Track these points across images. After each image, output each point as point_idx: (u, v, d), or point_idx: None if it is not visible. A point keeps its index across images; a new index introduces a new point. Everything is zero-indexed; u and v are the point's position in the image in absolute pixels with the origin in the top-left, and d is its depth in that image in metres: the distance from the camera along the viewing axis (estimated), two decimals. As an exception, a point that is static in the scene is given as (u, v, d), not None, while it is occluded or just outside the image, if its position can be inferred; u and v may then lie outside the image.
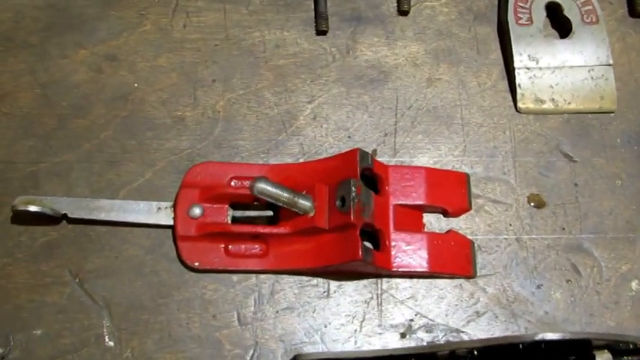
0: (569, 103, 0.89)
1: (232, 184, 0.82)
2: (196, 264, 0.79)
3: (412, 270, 0.79)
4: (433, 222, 0.84)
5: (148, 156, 0.81)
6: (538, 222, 0.84)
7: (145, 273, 0.76)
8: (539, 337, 0.71)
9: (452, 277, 0.81)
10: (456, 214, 0.84)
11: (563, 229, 0.84)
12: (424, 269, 0.79)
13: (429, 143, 0.86)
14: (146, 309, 0.76)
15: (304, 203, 0.77)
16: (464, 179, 0.85)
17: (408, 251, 0.80)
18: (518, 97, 0.89)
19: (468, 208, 0.84)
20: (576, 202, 0.85)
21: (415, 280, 0.81)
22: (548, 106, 0.89)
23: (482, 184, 0.85)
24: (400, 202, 0.81)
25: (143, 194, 0.77)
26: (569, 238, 0.83)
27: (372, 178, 0.81)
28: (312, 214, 0.77)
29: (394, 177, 0.82)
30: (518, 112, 0.89)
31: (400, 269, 0.79)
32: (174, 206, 0.80)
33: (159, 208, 0.80)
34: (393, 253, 0.79)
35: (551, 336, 0.71)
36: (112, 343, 0.76)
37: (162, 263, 0.75)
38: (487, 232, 0.83)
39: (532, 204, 0.85)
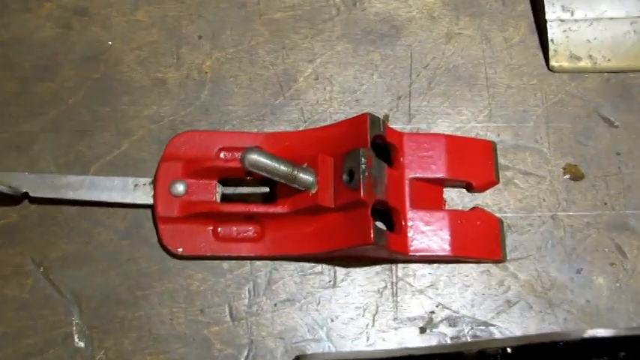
0: (609, 60, 0.74)
1: (222, 156, 0.67)
2: (180, 250, 0.65)
3: (432, 254, 0.65)
4: (455, 198, 0.70)
5: (124, 124, 0.67)
6: (576, 196, 0.70)
7: (121, 261, 0.62)
8: (588, 334, 0.57)
9: (478, 261, 0.67)
10: (482, 189, 0.69)
11: (605, 204, 0.69)
12: (446, 253, 0.65)
13: (448, 107, 0.72)
14: (122, 303, 0.62)
15: (305, 178, 0.62)
16: (490, 148, 0.70)
17: (428, 232, 0.65)
18: (551, 53, 0.74)
19: (496, 182, 0.69)
20: (619, 172, 0.70)
21: (435, 265, 0.67)
22: (584, 63, 0.74)
23: (510, 153, 0.71)
24: (417, 176, 0.67)
25: (118, 169, 0.63)
26: (611, 214, 0.69)
27: (385, 147, 0.67)
28: (314, 191, 0.63)
29: (410, 146, 0.68)
30: (550, 71, 0.74)
31: (418, 253, 0.65)
32: (155, 182, 0.66)
33: (136, 185, 0.66)
34: (409, 234, 0.65)
35: (602, 333, 0.57)
36: (82, 344, 0.62)
37: (141, 249, 0.62)
38: (517, 209, 0.69)
39: (568, 176, 0.71)
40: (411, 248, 0.65)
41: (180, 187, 0.65)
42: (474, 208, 0.69)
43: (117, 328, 0.63)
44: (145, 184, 0.66)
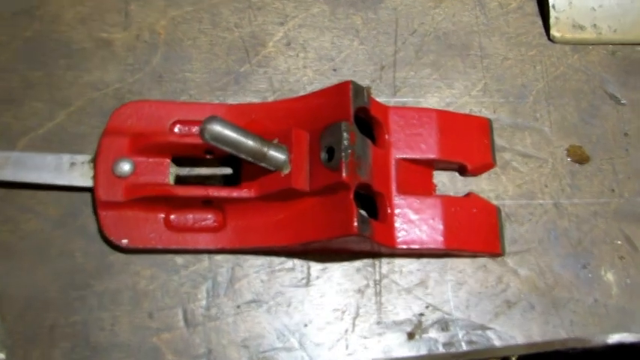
0: (615, 31, 0.65)
1: (176, 130, 0.56)
2: (125, 241, 0.53)
3: (422, 247, 0.55)
4: (446, 182, 0.60)
5: (60, 92, 0.55)
6: (581, 182, 0.60)
7: (52, 255, 0.51)
8: (613, 339, 0.47)
9: (473, 255, 0.58)
10: (477, 172, 0.60)
11: (613, 190, 0.60)
12: (438, 245, 0.55)
13: (438, 79, 0.62)
14: (53, 306, 0.51)
15: (277, 156, 0.52)
16: (486, 126, 0.61)
17: (417, 221, 0.55)
18: (552, 21, 0.65)
19: (492, 164, 0.60)
20: (627, 155, 0.62)
21: (425, 260, 0.57)
22: (588, 34, 0.65)
23: (508, 132, 0.61)
24: (405, 156, 0.57)
25: (51, 144, 0.54)
26: (620, 202, 0.60)
27: (368, 122, 0.56)
28: (286, 172, 0.52)
29: (396, 122, 0.57)
30: (551, 41, 0.65)
31: (406, 246, 0.55)
32: (95, 161, 0.54)
33: (73, 164, 0.54)
34: (396, 224, 0.55)
35: (628, 338, 0.48)
36: (2, 355, 0.50)
37: (77, 241, 0.51)
38: (517, 196, 0.59)
39: (572, 158, 0.61)
40: (399, 240, 0.55)
41: (125, 167, 0.54)
42: (468, 194, 0.59)
43: (46, 336, 0.52)
44: (83, 163, 0.55)
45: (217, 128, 0.48)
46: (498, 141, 0.61)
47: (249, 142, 0.50)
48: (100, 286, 0.54)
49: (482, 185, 0.60)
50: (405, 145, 0.57)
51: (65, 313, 0.53)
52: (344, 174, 0.51)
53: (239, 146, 0.50)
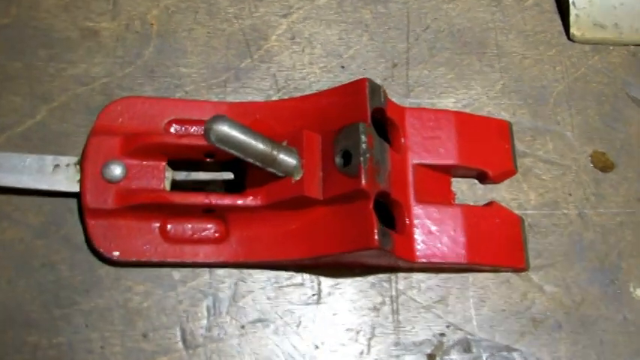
0: (637, 31, 0.61)
1: (172, 130, 0.51)
2: (116, 254, 0.48)
3: (444, 261, 0.50)
4: (465, 190, 0.55)
5: (41, 86, 0.49)
6: (606, 190, 0.56)
7: (34, 267, 0.45)
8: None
9: (495, 270, 0.53)
10: (498, 179, 0.55)
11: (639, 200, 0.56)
12: (460, 260, 0.50)
13: (454, 79, 0.57)
14: (35, 325, 0.45)
15: (287, 160, 0.47)
16: (506, 130, 0.56)
17: (437, 233, 0.50)
18: (572, 19, 0.61)
19: (514, 171, 0.55)
20: (653, 163, 0.58)
21: (444, 275, 0.52)
22: (609, 33, 0.61)
23: (528, 137, 0.57)
24: (422, 162, 0.52)
25: (32, 144, 0.48)
26: (647, 213, 0.56)
27: (382, 125, 0.51)
28: (298, 178, 0.47)
29: (413, 124, 0.53)
30: (571, 40, 0.60)
31: (426, 260, 0.50)
32: (82, 163, 0.48)
33: (57, 166, 0.48)
34: (416, 236, 0.50)
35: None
36: (-25, 384, 0.44)
37: (61, 252, 0.46)
38: (540, 205, 0.55)
39: (596, 165, 0.57)
40: (418, 253, 0.50)
41: (116, 170, 0.48)
42: (490, 203, 0.54)
43: (27, 359, 0.46)
44: (68, 165, 0.49)
45: (224, 129, 0.43)
46: (519, 146, 0.57)
47: (259, 145, 0.45)
48: (87, 303, 0.48)
49: (503, 193, 0.56)
50: (423, 149, 0.53)
51: (49, 333, 0.47)
52: (363, 181, 0.46)
53: (247, 149, 0.44)
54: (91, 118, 0.51)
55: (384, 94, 0.50)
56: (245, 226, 0.49)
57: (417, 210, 0.51)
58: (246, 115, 0.52)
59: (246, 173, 0.51)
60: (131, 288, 0.49)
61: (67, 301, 0.48)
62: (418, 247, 0.50)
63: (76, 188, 0.48)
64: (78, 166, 0.49)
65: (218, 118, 0.43)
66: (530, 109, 0.58)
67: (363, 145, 0.47)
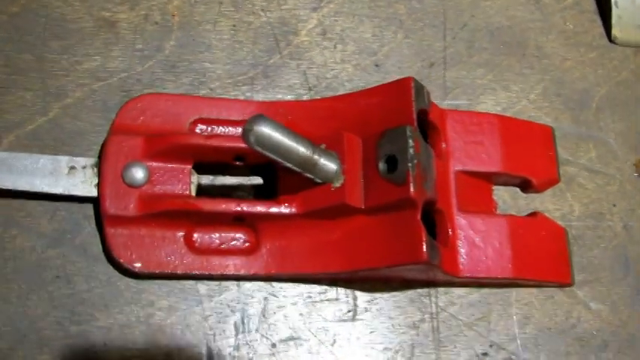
0: (679, 34, 0.58)
1: (198, 130, 0.46)
2: (137, 265, 0.43)
3: (488, 276, 0.46)
4: (508, 200, 0.52)
5: (54, 81, 0.45)
6: (652, 202, 0.53)
7: (47, 280, 0.42)
8: None
9: (539, 285, 0.49)
10: (541, 188, 0.52)
11: (685, 212, 0.53)
12: (506, 274, 0.47)
13: (493, 81, 0.54)
14: (49, 344, 0.41)
15: (327, 165, 0.43)
16: (550, 135, 0.53)
17: (481, 245, 0.47)
18: (614, 21, 0.58)
19: (557, 179, 0.52)
20: (699, 173, 0.55)
21: (486, 291, 0.49)
22: (652, 35, 0.58)
23: (571, 143, 0.53)
24: (465, 169, 0.48)
25: (44, 143, 0.44)
26: (693, 226, 0.53)
27: (422, 128, 0.47)
28: (338, 184, 0.43)
29: (455, 128, 0.49)
30: (612, 42, 0.57)
31: (470, 274, 0.46)
32: (101, 165, 0.44)
33: (72, 168, 0.44)
34: (460, 248, 0.46)
35: None
36: (-18, 409, 0.40)
37: (78, 263, 0.42)
38: (584, 217, 0.52)
39: (640, 175, 0.54)
40: (462, 267, 0.46)
41: (139, 173, 0.44)
42: (535, 214, 0.51)
43: (39, 381, 0.41)
44: (85, 167, 0.45)
45: (266, 130, 0.39)
46: (561, 153, 0.53)
47: (300, 149, 0.41)
48: (106, 319, 0.43)
49: (546, 204, 0.52)
50: (465, 155, 0.49)
51: (64, 352, 0.42)
52: (411, 189, 0.42)
53: (288, 153, 0.40)
54: (108, 115, 0.47)
55: (427, 95, 0.46)
56: (278, 235, 0.45)
57: (460, 220, 0.47)
58: (277, 116, 0.48)
59: (277, 178, 0.47)
60: (154, 303, 0.44)
61: (84, 317, 0.43)
62: (462, 260, 0.47)
63: (93, 193, 0.44)
64: (96, 169, 0.45)
65: (259, 118, 0.39)
66: (572, 114, 0.55)
67: (411, 150, 0.43)
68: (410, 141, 0.43)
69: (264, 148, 0.39)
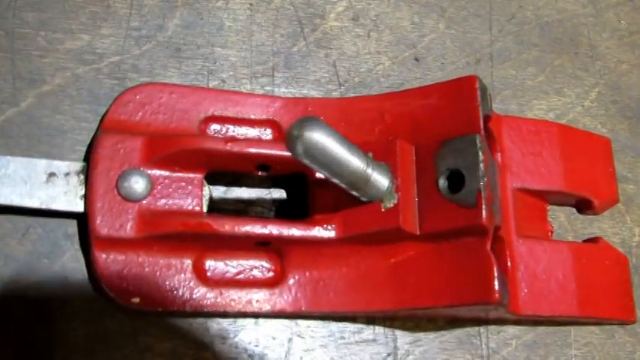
0: None
1: (211, 130, 0.37)
2: (135, 300, 0.34)
3: (551, 314, 0.39)
4: (564, 222, 0.44)
5: (28, 63, 0.36)
6: None
7: (16, 317, 0.31)
8: None
9: (598, 322, 0.42)
10: (601, 210, 0.45)
11: None
12: (571, 313, 0.40)
13: (545, 82, 0.46)
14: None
15: (379, 181, 0.34)
16: (609, 148, 0.45)
17: (543, 278, 0.39)
18: (670, 18, 0.50)
19: (617, 199, 0.44)
20: None
21: (542, 329, 0.42)
22: None
23: (629, 158, 0.47)
24: (524, 186, 0.40)
25: (14, 141, 0.36)
26: None
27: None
28: (390, 205, 0.35)
29: (511, 137, 0.41)
30: (668, 43, 0.50)
31: (532, 312, 0.38)
32: (88, 172, 0.34)
33: (51, 175, 0.35)
34: (520, 280, 0.38)
35: None
36: None
37: (57, 295, 0.32)
38: (645, 243, 0.45)
39: (702, 196, 0.47)
40: (523, 304, 0.38)
41: (138, 184, 0.35)
42: (596, 240, 0.43)
43: None
44: (68, 174, 0.35)
45: (319, 138, 0.30)
46: (619, 168, 0.46)
47: (353, 162, 0.32)
48: (94, 370, 0.34)
49: (604, 227, 0.45)
50: (523, 169, 0.41)
51: (38, 417, 0.33)
52: (484, 214, 0.34)
53: (341, 168, 0.32)
54: (97, 109, 0.38)
55: (490, 98, 0.38)
56: (309, 264, 0.37)
57: (520, 247, 0.39)
58: (307, 115, 0.39)
59: (307, 191, 0.38)
60: (152, 347, 0.35)
61: (64, 364, 0.34)
62: (522, 294, 0.39)
63: (79, 207, 0.35)
64: (82, 177, 0.35)
65: (311, 121, 0.30)
66: (629, 124, 0.48)
67: (482, 166, 0.35)
68: (480, 154, 0.35)
69: (312, 160, 0.31)
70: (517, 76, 0.47)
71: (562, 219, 0.44)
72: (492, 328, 0.41)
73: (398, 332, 0.39)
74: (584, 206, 0.45)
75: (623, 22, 0.51)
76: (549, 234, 0.43)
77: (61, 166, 0.35)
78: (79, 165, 0.35)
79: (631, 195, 0.47)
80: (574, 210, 0.45)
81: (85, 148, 0.37)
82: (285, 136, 0.30)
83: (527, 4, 0.49)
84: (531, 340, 0.41)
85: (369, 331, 0.39)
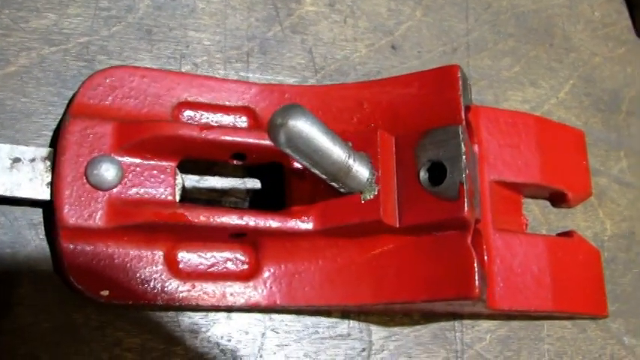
0: None
1: (184, 116, 0.36)
2: (104, 293, 0.33)
3: (526, 309, 0.39)
4: (538, 215, 0.44)
5: (-9, 41, 0.34)
6: (684, 221, 0.47)
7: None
8: None
9: (571, 317, 0.42)
10: (574, 202, 0.45)
11: None
12: (546, 307, 0.40)
13: (520, 73, 0.46)
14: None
15: (360, 172, 0.34)
16: (583, 141, 0.46)
17: (519, 272, 0.39)
18: (643, 13, 0.51)
19: (590, 193, 0.45)
20: None
21: (516, 323, 0.42)
22: (680, 33, 0.52)
23: (602, 151, 0.47)
24: (501, 179, 0.40)
25: None
26: None
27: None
28: (369, 196, 0.34)
29: (488, 129, 0.41)
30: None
31: (508, 307, 0.38)
32: (56, 158, 0.33)
33: (16, 160, 0.33)
34: (496, 275, 0.38)
35: None
36: None
37: (22, 288, 0.29)
38: (616, 237, 0.46)
39: (672, 190, 0.48)
40: (499, 298, 0.38)
41: (109, 172, 0.33)
42: (570, 234, 0.44)
43: None
44: (34, 160, 0.34)
45: (303, 127, 0.29)
46: (592, 161, 0.46)
47: (335, 152, 0.32)
48: (60, 366, 0.33)
49: (577, 220, 0.45)
50: (500, 162, 0.41)
51: (2, 415, 0.31)
52: (466, 207, 0.33)
53: (322, 158, 0.31)
54: (64, 92, 0.36)
55: (470, 88, 0.38)
56: (285, 257, 0.36)
57: (497, 240, 0.39)
58: (282, 103, 0.38)
59: (283, 181, 0.37)
60: (121, 341, 0.34)
61: (28, 358, 0.32)
62: (498, 289, 0.39)
63: (45, 195, 0.33)
64: (49, 163, 0.34)
65: (294, 109, 0.29)
66: (602, 117, 0.49)
67: (464, 157, 0.34)
68: (462, 145, 0.35)
69: (295, 149, 0.30)
70: (493, 67, 0.46)
71: (536, 212, 0.45)
72: (467, 322, 0.41)
73: (373, 327, 0.39)
74: (558, 199, 0.45)
75: (596, 14, 0.51)
76: (524, 227, 0.43)
77: (26, 151, 0.34)
78: (45, 151, 0.34)
79: (603, 188, 0.47)
80: (548, 203, 0.45)
81: (51, 133, 0.35)
82: (268, 124, 0.29)
83: (504, -6, 0.49)
84: (505, 335, 0.41)
85: (343, 326, 0.38)
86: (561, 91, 0.48)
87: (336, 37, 0.43)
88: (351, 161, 0.33)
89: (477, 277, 0.34)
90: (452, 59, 0.45)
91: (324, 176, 0.33)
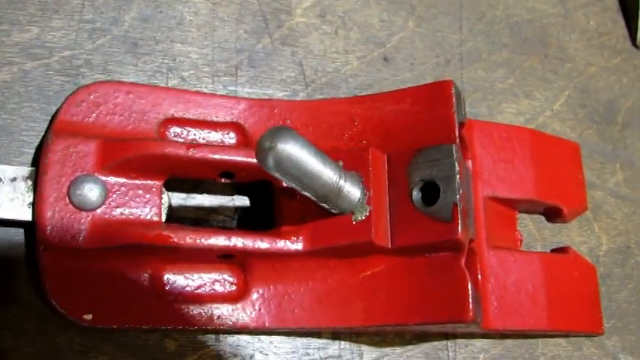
0: None
1: (171, 133, 0.35)
2: (88, 317, 0.32)
3: (521, 328, 0.38)
4: (533, 231, 0.44)
5: (-29, 55, 0.33)
6: (681, 235, 0.47)
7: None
8: None
9: (566, 335, 0.42)
10: (569, 217, 0.45)
11: None
12: (541, 326, 0.39)
13: (515, 85, 0.46)
14: None
15: (351, 192, 0.33)
16: (578, 155, 0.45)
17: (513, 290, 0.39)
18: (640, 23, 0.51)
19: (586, 207, 0.44)
20: None
21: (510, 342, 0.41)
22: (677, 42, 0.52)
23: (597, 164, 0.47)
24: (495, 194, 0.40)
25: None
26: None
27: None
28: (361, 217, 0.33)
29: (482, 144, 0.41)
30: (636, 47, 0.50)
31: (502, 327, 0.38)
32: (37, 178, 0.32)
33: (-4, 181, 0.32)
34: (490, 293, 0.38)
35: None
36: None
37: (5, 311, 0.28)
38: (612, 252, 0.45)
39: (668, 203, 0.48)
40: (493, 317, 0.38)
41: (92, 192, 0.33)
42: (565, 250, 0.43)
43: None
44: (15, 180, 0.33)
45: (292, 151, 0.29)
46: (587, 174, 0.46)
47: (326, 174, 0.31)
48: (42, 394, 0.32)
49: (573, 235, 0.45)
50: (495, 177, 0.41)
51: None
52: (459, 229, 0.33)
53: (312, 181, 0.30)
54: (46, 108, 0.35)
55: (464, 103, 0.37)
56: (274, 278, 0.35)
57: (491, 258, 0.39)
58: (272, 118, 0.37)
59: (272, 200, 0.37)
60: (105, 366, 0.33)
61: (9, 387, 0.32)
62: (492, 307, 0.38)
63: (27, 216, 0.33)
64: (31, 182, 0.33)
65: (283, 132, 0.28)
66: (597, 129, 0.48)
67: (457, 177, 0.34)
68: (456, 165, 0.34)
69: (284, 173, 0.29)
70: (487, 78, 0.46)
71: (531, 227, 0.44)
72: (460, 341, 0.40)
73: (364, 347, 0.38)
74: (553, 214, 0.44)
75: (592, 23, 0.51)
76: (519, 243, 0.43)
77: (6, 170, 0.33)
78: (26, 170, 0.33)
79: (598, 202, 0.47)
80: (542, 218, 0.45)
81: (33, 151, 0.35)
82: (256, 147, 0.29)
83: (498, 3, 0.48)
84: (499, 354, 0.41)
85: (334, 347, 0.38)
86: (556, 102, 0.47)
87: (327, 50, 0.42)
88: (342, 182, 0.32)
89: (470, 300, 0.33)
90: (445, 71, 0.45)
91: (314, 198, 0.32)
